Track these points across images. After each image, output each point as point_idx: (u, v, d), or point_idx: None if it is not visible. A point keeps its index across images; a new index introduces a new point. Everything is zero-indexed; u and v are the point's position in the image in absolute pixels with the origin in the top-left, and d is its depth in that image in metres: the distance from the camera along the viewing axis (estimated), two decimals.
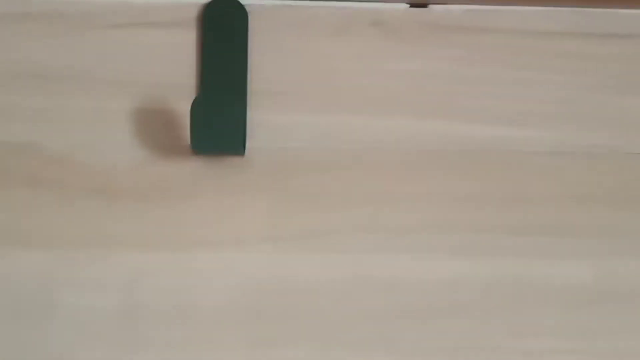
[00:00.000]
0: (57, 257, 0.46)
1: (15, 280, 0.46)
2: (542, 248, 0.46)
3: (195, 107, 0.44)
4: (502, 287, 0.46)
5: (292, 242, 0.47)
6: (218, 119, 0.44)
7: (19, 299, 0.45)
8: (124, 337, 0.45)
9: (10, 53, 0.48)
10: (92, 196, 0.46)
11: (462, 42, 0.49)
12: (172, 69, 0.48)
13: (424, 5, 0.50)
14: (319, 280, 0.46)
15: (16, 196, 0.46)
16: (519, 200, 0.47)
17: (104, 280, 0.46)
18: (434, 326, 0.46)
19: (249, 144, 0.47)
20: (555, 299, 0.46)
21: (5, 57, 0.48)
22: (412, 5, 0.49)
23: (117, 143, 0.47)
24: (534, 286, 0.46)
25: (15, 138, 0.47)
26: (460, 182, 0.48)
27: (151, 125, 0.47)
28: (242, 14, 0.48)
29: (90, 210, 0.46)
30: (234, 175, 0.47)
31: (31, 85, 0.47)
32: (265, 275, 0.46)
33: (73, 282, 0.46)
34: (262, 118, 0.47)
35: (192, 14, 0.49)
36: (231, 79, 0.48)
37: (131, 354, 0.45)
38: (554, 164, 0.48)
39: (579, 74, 0.49)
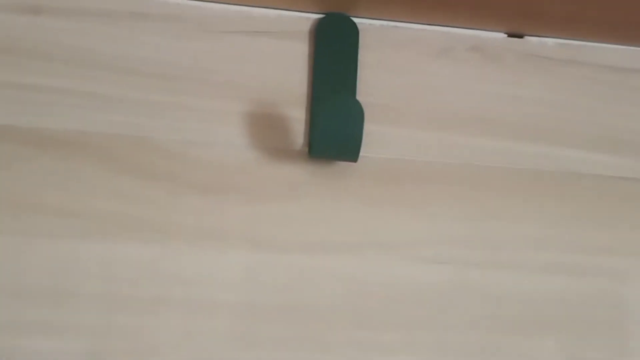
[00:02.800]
0: (165, 251, 0.47)
1: (121, 272, 0.46)
2: (636, 268, 0.50)
3: (319, 113, 0.46)
4: (597, 304, 0.49)
5: (395, 249, 0.48)
6: (339, 126, 0.45)
7: (126, 292, 0.46)
8: (234, 334, 0.46)
9: (130, 50, 0.49)
10: (203, 193, 0.48)
11: (555, 71, 0.53)
12: (284, 77, 0.50)
13: (521, 36, 0.53)
14: (419, 287, 0.48)
15: (128, 188, 0.47)
16: (611, 222, 0.50)
17: (213, 276, 0.47)
18: (532, 339, 0.48)
19: None
20: None
21: (124, 53, 0.49)
22: (510, 35, 0.53)
23: (230, 142, 0.49)
24: (629, 304, 0.49)
25: (130, 131, 0.48)
26: (554, 202, 0.50)
27: (262, 128, 0.49)
28: (353, 30, 0.51)
29: (201, 207, 0.47)
30: (341, 181, 0.49)
31: (148, 82, 0.49)
32: (368, 279, 0.48)
33: (181, 277, 0.46)
34: (367, 128, 0.49)
35: (305, 27, 0.51)
36: (342, 90, 0.50)
37: (240, 351, 0.46)
38: None
39: None
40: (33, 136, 0.47)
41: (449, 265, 0.48)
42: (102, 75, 0.48)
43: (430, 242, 0.49)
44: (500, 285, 0.49)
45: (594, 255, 0.50)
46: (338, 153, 0.47)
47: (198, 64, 0.50)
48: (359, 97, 0.50)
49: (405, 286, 0.48)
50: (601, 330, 0.49)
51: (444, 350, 0.47)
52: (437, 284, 0.48)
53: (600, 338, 0.49)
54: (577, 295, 0.49)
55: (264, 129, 0.49)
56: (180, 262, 0.47)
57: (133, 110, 0.48)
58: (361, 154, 0.48)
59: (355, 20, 0.51)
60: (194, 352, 0.45)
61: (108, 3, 0.50)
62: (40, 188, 0.46)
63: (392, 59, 0.51)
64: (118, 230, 0.46)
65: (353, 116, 0.45)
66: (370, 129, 0.49)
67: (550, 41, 0.53)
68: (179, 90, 0.49)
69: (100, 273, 0.46)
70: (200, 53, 0.50)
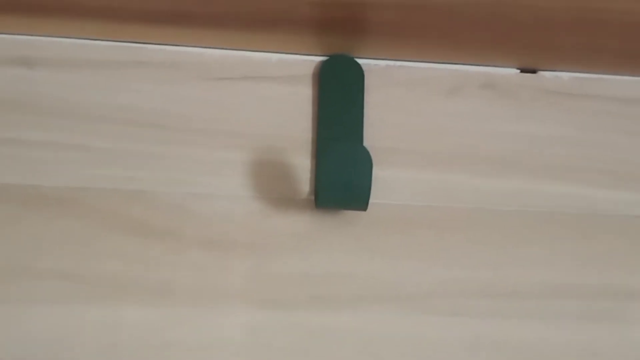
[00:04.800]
0: (167, 314, 0.44)
1: (122, 339, 0.43)
2: None
3: (324, 162, 0.43)
4: (631, 354, 0.46)
5: (409, 302, 0.46)
6: (346, 175, 0.43)
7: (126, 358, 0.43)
8: None
9: (125, 100, 0.47)
10: (205, 248, 0.45)
11: (572, 107, 0.50)
12: (287, 123, 0.48)
13: (534, 71, 0.51)
14: (438, 343, 0.45)
15: (128, 247, 0.45)
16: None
17: (217, 339, 0.44)
18: None
19: None
20: None
21: (119, 103, 0.47)
22: (522, 71, 0.51)
23: (232, 194, 0.46)
24: None
25: (127, 185, 0.46)
26: (577, 245, 0.47)
27: (266, 178, 0.47)
28: (358, 71, 0.49)
29: (203, 264, 0.45)
30: (350, 230, 0.46)
31: (144, 133, 0.47)
32: (382, 337, 0.45)
33: (185, 342, 0.44)
34: (375, 173, 0.46)
35: (307, 70, 0.49)
36: (348, 135, 0.48)
37: None
38: None
39: None
40: (24, 195, 0.45)
41: (468, 317, 0.45)
42: (97, 128, 0.46)
43: (446, 293, 0.46)
44: (527, 337, 0.45)
45: (624, 301, 0.47)
46: (346, 203, 0.45)
47: (197, 112, 0.47)
48: (366, 141, 0.48)
49: (422, 343, 0.45)
50: None
51: None
52: (457, 339, 0.45)
53: None
54: (609, 346, 0.46)
55: (268, 178, 0.47)
56: (183, 325, 0.44)
57: (130, 164, 0.46)
58: (370, 201, 0.45)
59: (360, 61, 0.49)
60: None
61: (102, 53, 0.48)
62: (34, 250, 0.44)
63: (400, 100, 0.49)
64: (118, 293, 0.44)
65: (360, 164, 0.43)
66: (379, 174, 0.47)
67: (565, 75, 0.51)
68: (178, 141, 0.47)
69: (100, 341, 0.43)
70: (199, 101, 0.48)
